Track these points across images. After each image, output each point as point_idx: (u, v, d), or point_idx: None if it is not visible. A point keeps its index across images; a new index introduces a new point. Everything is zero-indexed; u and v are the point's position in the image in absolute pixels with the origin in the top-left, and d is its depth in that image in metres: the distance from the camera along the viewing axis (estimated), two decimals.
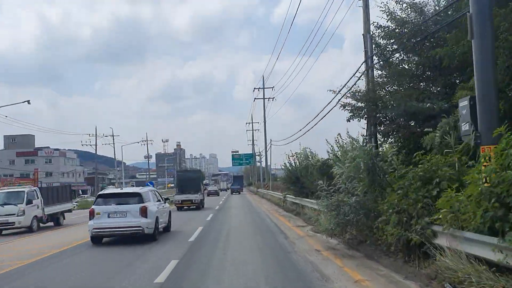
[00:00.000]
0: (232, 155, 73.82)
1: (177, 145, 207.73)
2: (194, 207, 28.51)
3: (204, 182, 40.63)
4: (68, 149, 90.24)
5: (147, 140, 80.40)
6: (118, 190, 13.95)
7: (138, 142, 77.51)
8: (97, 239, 12.67)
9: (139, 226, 12.30)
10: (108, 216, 12.39)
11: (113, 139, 66.57)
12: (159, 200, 14.70)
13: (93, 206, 12.76)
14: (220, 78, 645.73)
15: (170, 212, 15.88)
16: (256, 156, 71.05)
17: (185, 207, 28.34)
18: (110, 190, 14.38)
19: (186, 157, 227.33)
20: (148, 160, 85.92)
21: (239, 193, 65.37)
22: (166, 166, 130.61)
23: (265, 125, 53.16)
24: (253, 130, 71.45)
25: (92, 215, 12.47)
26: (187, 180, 29.50)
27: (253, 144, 74.50)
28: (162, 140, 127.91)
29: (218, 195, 57.95)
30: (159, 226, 13.68)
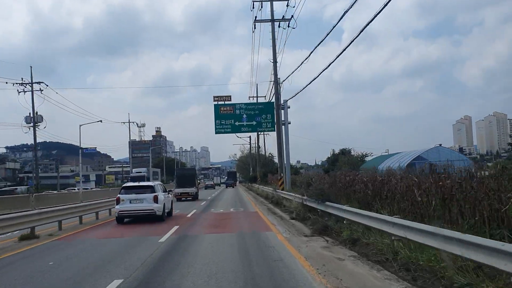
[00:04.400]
0: (214, 106, 28.78)
1: (156, 131, 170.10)
2: (190, 198, 34.31)
3: None
4: None
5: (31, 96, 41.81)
6: (137, 184, 18.65)
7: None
8: (120, 219, 17.18)
9: (152, 209, 16.92)
10: (130, 202, 17.03)
11: None
12: (165, 191, 19.34)
13: (118, 195, 17.35)
14: (216, 70, 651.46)
15: (172, 201, 20.61)
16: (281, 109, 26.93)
17: (183, 198, 34.16)
18: (130, 183, 19.12)
19: (175, 149, 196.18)
20: (35, 136, 43.27)
21: (233, 187, 78.05)
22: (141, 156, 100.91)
23: None
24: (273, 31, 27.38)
25: (118, 201, 17.12)
26: (185, 177, 35.63)
27: (275, 66, 27.49)
28: (137, 124, 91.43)
29: (214, 188, 73.10)
30: (165, 211, 18.32)
